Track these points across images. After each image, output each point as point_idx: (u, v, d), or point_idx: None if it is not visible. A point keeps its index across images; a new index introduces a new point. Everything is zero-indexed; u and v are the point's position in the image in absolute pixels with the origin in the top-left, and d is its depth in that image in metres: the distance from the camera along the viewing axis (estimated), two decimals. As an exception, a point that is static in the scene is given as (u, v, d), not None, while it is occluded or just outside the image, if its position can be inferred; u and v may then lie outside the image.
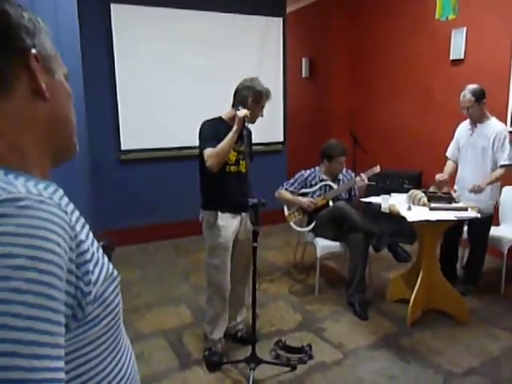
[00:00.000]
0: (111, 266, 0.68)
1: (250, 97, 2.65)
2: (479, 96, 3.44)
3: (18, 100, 0.61)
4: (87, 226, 0.66)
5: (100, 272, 0.63)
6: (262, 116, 2.77)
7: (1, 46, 0.60)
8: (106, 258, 0.67)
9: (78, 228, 0.61)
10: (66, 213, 0.57)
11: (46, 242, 0.52)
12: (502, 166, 3.44)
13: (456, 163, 3.78)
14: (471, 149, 3.59)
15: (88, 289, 0.59)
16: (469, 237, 3.73)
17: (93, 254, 0.62)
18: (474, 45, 4.50)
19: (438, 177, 3.63)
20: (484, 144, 3.49)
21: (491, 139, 3.46)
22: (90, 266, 0.61)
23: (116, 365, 0.67)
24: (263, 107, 2.74)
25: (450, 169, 3.77)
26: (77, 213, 0.65)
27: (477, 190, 3.37)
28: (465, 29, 4.52)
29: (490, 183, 3.43)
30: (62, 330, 0.53)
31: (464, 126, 3.72)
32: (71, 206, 0.65)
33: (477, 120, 3.54)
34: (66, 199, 0.65)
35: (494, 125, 3.51)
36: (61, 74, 0.70)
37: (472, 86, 3.49)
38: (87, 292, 0.59)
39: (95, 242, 0.66)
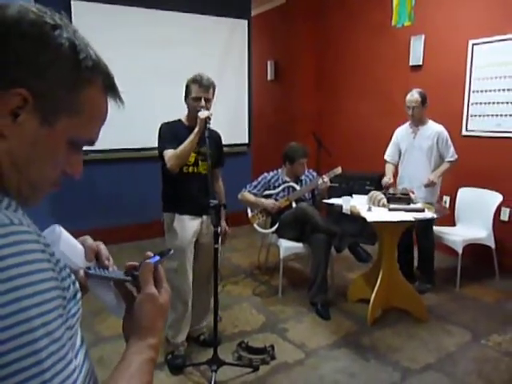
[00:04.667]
0: (72, 275, 0.67)
1: (186, 95, 2.63)
2: (424, 99, 3.74)
3: None
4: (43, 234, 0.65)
5: (70, 281, 0.64)
6: (206, 108, 2.53)
7: None
8: (65, 265, 0.66)
9: (47, 241, 0.61)
10: (39, 235, 0.58)
11: (42, 272, 0.55)
12: (449, 162, 3.78)
13: (395, 165, 4.05)
14: (416, 150, 3.86)
15: (65, 294, 0.61)
16: (416, 235, 3.88)
17: (59, 263, 0.63)
18: (431, 52, 4.66)
19: (387, 180, 3.89)
20: (429, 144, 3.79)
21: (434, 139, 3.77)
22: (63, 274, 0.62)
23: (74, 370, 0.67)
24: (200, 98, 2.53)
25: (392, 171, 4.03)
26: (31, 222, 0.63)
27: (431, 184, 3.71)
28: (423, 36, 4.68)
29: (440, 176, 3.77)
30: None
31: (403, 130, 3.99)
32: (27, 217, 0.63)
33: (419, 122, 3.82)
34: (20, 211, 0.63)
35: (433, 126, 3.83)
36: (64, 132, 0.63)
37: (419, 89, 3.80)
38: (63, 297, 0.60)
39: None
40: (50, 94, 0.61)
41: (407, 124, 3.95)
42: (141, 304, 0.73)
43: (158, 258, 0.78)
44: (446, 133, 3.79)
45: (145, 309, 0.73)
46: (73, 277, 0.66)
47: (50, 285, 0.56)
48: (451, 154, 3.79)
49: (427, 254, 3.87)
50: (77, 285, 0.67)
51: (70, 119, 0.64)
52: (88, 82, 0.65)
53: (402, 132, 3.99)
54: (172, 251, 0.85)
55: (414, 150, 3.87)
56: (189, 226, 2.67)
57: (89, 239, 0.81)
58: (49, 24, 0.61)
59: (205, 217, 2.70)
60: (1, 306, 0.50)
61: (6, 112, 0.59)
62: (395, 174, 4.04)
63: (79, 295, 0.67)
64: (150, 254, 0.79)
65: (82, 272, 0.75)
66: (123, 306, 0.78)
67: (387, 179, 3.91)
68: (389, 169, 4.05)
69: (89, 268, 0.76)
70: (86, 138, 0.67)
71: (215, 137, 2.76)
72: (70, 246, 0.74)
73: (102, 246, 0.81)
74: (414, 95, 3.74)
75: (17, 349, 0.51)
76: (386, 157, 4.09)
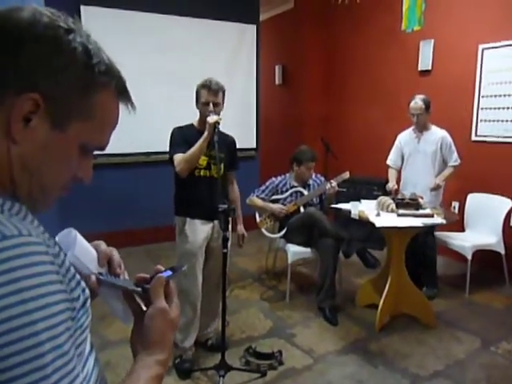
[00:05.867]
0: (82, 282, 0.67)
1: (196, 100, 2.64)
2: (428, 105, 3.75)
3: None
4: (53, 240, 0.64)
5: (80, 290, 0.64)
6: (215, 113, 2.53)
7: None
8: (75, 272, 0.65)
9: (56, 250, 0.60)
10: (48, 246, 0.58)
11: (51, 285, 0.55)
12: (452, 167, 3.80)
13: (397, 171, 4.07)
14: (420, 155, 3.88)
15: (73, 305, 0.60)
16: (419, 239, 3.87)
17: (69, 272, 0.62)
18: (441, 56, 4.64)
19: (392, 186, 3.90)
20: (433, 149, 3.81)
21: (438, 144, 3.79)
22: (73, 284, 0.61)
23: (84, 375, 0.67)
24: (209, 103, 2.55)
25: (395, 176, 4.04)
26: (42, 228, 0.63)
27: (437, 188, 3.75)
28: (432, 41, 4.66)
29: (445, 180, 3.79)
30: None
31: (407, 135, 4.00)
32: (36, 223, 0.63)
33: (423, 128, 3.84)
34: (30, 217, 0.63)
35: (437, 131, 3.85)
36: (76, 136, 0.63)
37: (422, 96, 3.80)
38: (72, 308, 0.60)
39: (66, 259, 0.65)
40: (62, 99, 0.61)
41: (410, 129, 3.95)
42: (151, 318, 0.72)
43: (169, 272, 0.77)
44: (449, 138, 3.81)
45: (155, 323, 0.71)
46: (82, 284, 0.65)
47: (59, 298, 0.55)
48: (455, 159, 3.81)
49: (430, 259, 3.85)
50: (86, 292, 0.66)
51: (82, 124, 0.63)
52: (101, 87, 0.64)
53: (406, 137, 3.99)
54: (185, 267, 0.84)
55: (418, 155, 3.88)
56: (200, 231, 2.67)
57: (102, 244, 0.80)
58: (62, 28, 0.61)
59: (216, 221, 2.70)
60: (9, 320, 0.50)
61: (19, 117, 0.58)
62: (398, 180, 4.04)
63: (88, 302, 0.66)
64: (160, 267, 0.78)
65: (93, 277, 0.73)
66: (131, 316, 0.78)
67: (391, 185, 3.91)
68: (392, 174, 4.05)
69: (101, 274, 0.75)
70: (97, 142, 0.67)
71: (228, 141, 2.78)
72: (84, 250, 0.74)
73: (114, 253, 0.80)
74: (417, 103, 3.74)
75: (23, 363, 0.50)
76: (389, 161, 4.09)
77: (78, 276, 0.65)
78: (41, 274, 0.53)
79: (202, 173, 2.64)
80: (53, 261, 0.57)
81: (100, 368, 0.72)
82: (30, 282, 0.52)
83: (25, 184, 0.62)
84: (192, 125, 2.72)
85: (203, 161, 2.61)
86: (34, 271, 0.53)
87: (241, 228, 2.99)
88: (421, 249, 3.84)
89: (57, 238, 0.73)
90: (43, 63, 0.59)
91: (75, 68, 0.61)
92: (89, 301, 0.66)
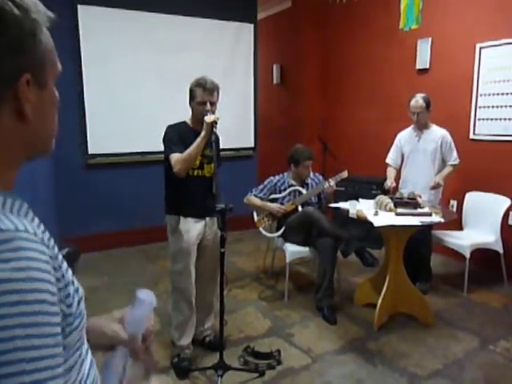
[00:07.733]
0: (75, 281, 0.66)
1: (190, 98, 2.61)
2: (428, 104, 3.76)
3: (1, 120, 0.60)
4: (53, 240, 0.64)
5: (73, 292, 0.64)
6: (212, 112, 2.52)
7: None
8: (71, 274, 0.65)
9: (56, 252, 0.61)
10: (47, 246, 0.58)
11: (40, 282, 0.54)
12: (452, 165, 3.81)
13: (396, 169, 4.07)
14: (420, 153, 3.88)
15: (69, 311, 0.60)
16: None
17: (66, 276, 0.62)
18: (438, 55, 4.64)
19: (390, 184, 3.91)
20: (433, 147, 3.81)
21: (439, 142, 3.80)
22: (70, 289, 0.62)
23: (81, 378, 0.67)
24: (206, 102, 2.52)
25: (393, 175, 4.04)
26: (42, 227, 0.64)
27: (437, 186, 3.75)
28: (430, 39, 4.66)
29: (444, 179, 3.78)
30: (60, 339, 0.57)
31: (407, 133, 4.00)
32: (36, 221, 0.63)
33: (423, 126, 3.84)
34: (31, 214, 0.63)
35: (437, 130, 3.85)
36: (51, 80, 0.67)
37: (422, 94, 3.81)
38: (68, 314, 0.60)
39: (64, 261, 0.64)
40: (35, 62, 0.62)
41: (410, 128, 3.95)
42: None
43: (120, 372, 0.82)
44: (449, 136, 3.82)
45: None
46: (76, 284, 0.65)
47: (44, 297, 0.54)
48: (454, 158, 3.82)
49: (425, 255, 3.87)
50: (80, 292, 0.66)
51: (51, 69, 0.67)
52: (42, 28, 0.63)
53: (406, 136, 3.99)
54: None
55: (418, 154, 3.89)
56: (193, 229, 2.67)
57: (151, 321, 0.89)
58: None
59: (208, 219, 2.72)
60: None
61: (28, 99, 0.61)
62: (397, 178, 4.04)
63: (82, 304, 0.66)
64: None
65: (137, 345, 0.83)
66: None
67: (389, 183, 3.93)
68: (391, 172, 4.05)
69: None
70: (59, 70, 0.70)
71: (217, 139, 2.76)
72: (147, 316, 0.85)
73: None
74: (418, 101, 3.74)
75: None
76: (388, 160, 4.10)
77: (75, 281, 0.64)
78: (32, 268, 0.53)
79: (195, 173, 2.63)
80: (48, 260, 0.56)
81: (95, 373, 0.72)
82: (19, 274, 0.51)
83: (34, 151, 0.67)
84: (185, 122, 2.70)
85: (197, 160, 2.60)
86: (24, 265, 0.52)
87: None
88: (416, 245, 3.84)
89: (138, 293, 0.84)
90: (16, 44, 0.59)
91: (21, 28, 0.59)
92: (83, 302, 0.66)
